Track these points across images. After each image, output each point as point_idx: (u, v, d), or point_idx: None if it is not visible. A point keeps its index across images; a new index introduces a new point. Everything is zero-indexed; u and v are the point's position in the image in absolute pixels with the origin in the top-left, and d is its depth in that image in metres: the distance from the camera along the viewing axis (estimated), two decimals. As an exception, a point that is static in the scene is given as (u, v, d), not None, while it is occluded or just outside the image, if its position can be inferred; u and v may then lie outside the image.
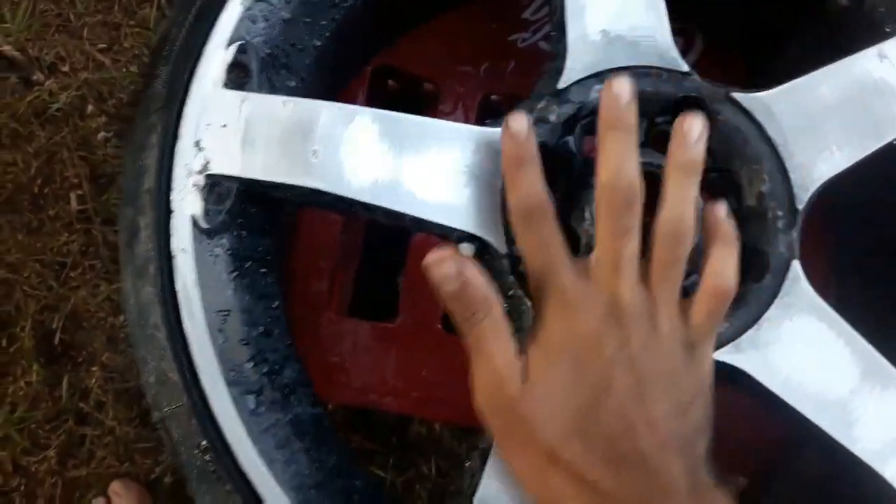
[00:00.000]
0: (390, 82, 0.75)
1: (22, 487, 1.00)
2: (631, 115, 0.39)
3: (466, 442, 0.91)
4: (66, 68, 1.07)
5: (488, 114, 0.69)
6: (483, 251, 0.46)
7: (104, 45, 1.08)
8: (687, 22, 0.68)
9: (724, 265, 0.39)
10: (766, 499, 0.61)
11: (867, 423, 0.43)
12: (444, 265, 0.38)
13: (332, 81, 0.58)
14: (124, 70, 1.07)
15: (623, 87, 0.39)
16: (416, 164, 0.44)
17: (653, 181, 0.48)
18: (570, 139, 0.49)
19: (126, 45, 1.08)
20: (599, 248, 0.38)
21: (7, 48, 1.07)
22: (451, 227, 0.45)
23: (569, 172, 0.49)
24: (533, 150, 0.41)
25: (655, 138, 0.51)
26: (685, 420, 0.36)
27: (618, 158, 0.39)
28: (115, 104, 1.06)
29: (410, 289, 0.67)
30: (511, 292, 0.46)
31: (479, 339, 0.38)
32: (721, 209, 0.41)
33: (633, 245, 0.38)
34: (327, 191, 0.43)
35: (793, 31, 0.56)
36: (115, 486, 0.97)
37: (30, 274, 1.03)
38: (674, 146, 0.40)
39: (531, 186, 0.40)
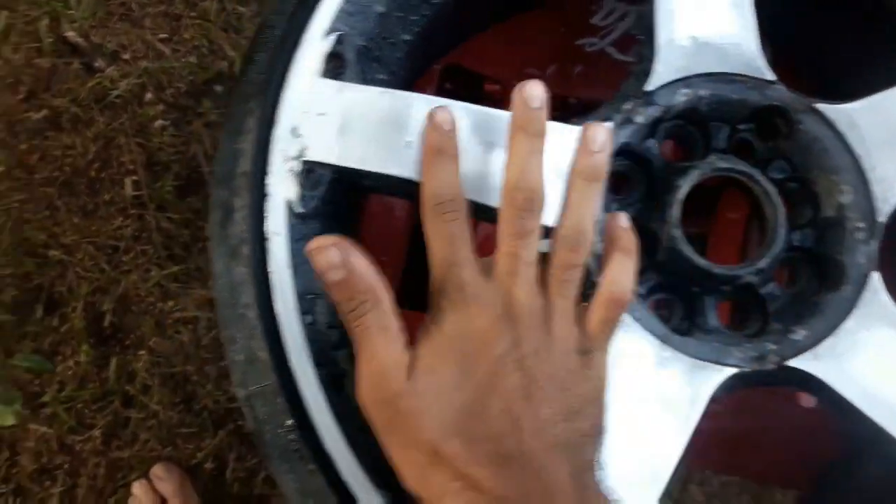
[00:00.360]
0: (447, 84, 0.77)
1: (66, 466, 1.03)
2: (540, 120, 0.39)
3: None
4: (127, 56, 1.10)
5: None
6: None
7: (165, 35, 1.10)
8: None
9: (621, 273, 0.39)
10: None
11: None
12: (327, 253, 0.36)
13: (413, 76, 0.59)
14: (183, 60, 1.09)
15: (535, 92, 0.39)
16: (504, 160, 0.45)
17: (738, 188, 0.49)
18: (652, 142, 0.50)
19: (186, 36, 1.10)
20: (499, 248, 0.38)
21: (72, 34, 1.10)
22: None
23: (649, 174, 0.50)
24: (453, 145, 0.40)
25: (737, 145, 0.52)
26: (573, 425, 0.36)
27: (522, 160, 0.39)
28: (173, 93, 1.09)
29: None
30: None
31: (363, 331, 0.36)
32: (623, 218, 0.41)
33: (532, 247, 0.38)
34: (419, 181, 0.44)
35: (865, 45, 0.57)
36: (157, 470, 0.99)
37: (83, 256, 1.06)
38: (577, 153, 0.40)
39: (447, 177, 0.39)
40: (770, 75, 0.48)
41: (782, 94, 0.49)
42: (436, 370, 0.35)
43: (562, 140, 0.46)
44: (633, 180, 0.51)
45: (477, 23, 0.69)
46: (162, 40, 1.11)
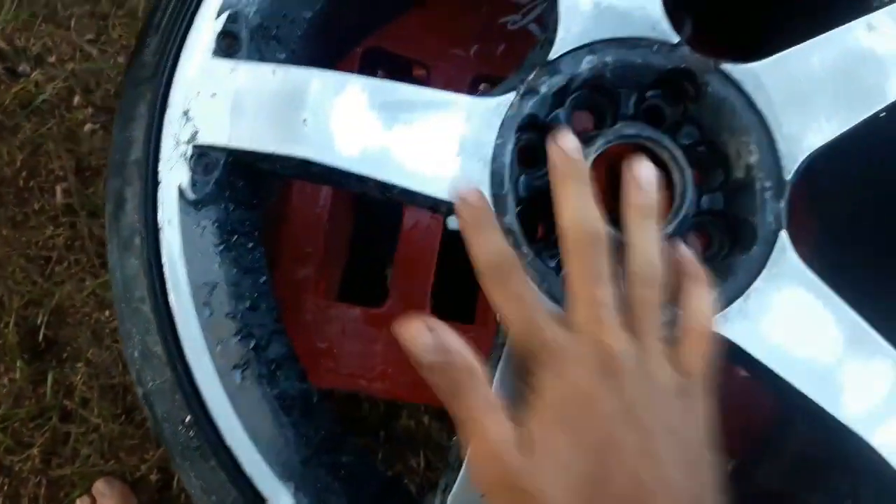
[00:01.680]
0: (379, 72, 0.75)
1: (5, 487, 0.99)
2: (581, 164, 0.41)
3: (455, 435, 0.90)
4: (52, 59, 1.07)
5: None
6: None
7: (91, 37, 1.07)
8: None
9: (700, 304, 0.40)
10: (757, 477, 0.60)
11: (853, 390, 0.43)
12: (420, 337, 0.36)
13: (324, 57, 0.58)
14: (112, 61, 1.06)
15: (568, 142, 0.42)
16: (406, 134, 0.44)
17: (645, 152, 0.48)
18: (561, 113, 0.49)
19: (114, 36, 1.07)
20: (575, 297, 0.37)
21: (-8, 40, 1.06)
22: (440, 200, 0.45)
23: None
24: (490, 214, 0.41)
25: (648, 111, 0.51)
26: (695, 476, 0.35)
27: (577, 205, 0.39)
28: (102, 95, 1.06)
29: (399, 275, 0.67)
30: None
31: (468, 413, 0.35)
32: (683, 248, 0.42)
33: (609, 290, 0.37)
34: (317, 160, 0.43)
35: (782, 8, 0.56)
36: (100, 485, 0.96)
37: (14, 269, 1.02)
38: (628, 191, 0.41)
39: (494, 244, 0.40)
40: (675, 38, 0.48)
41: (688, 56, 0.48)
42: (549, 441, 0.34)
43: (465, 114, 0.45)
44: (544, 153, 0.50)
45: (394, 3, 0.67)
46: (89, 41, 1.08)
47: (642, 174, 0.41)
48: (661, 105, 0.50)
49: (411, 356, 0.36)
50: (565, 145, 0.41)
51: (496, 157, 0.46)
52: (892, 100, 0.47)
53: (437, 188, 0.44)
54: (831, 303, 0.45)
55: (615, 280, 0.38)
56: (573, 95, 0.49)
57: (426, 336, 0.36)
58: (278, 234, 0.66)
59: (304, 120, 0.43)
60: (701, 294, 0.40)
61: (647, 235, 0.39)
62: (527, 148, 0.50)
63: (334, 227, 0.70)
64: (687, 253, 0.41)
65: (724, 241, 0.49)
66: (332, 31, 0.57)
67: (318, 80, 0.43)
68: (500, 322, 0.39)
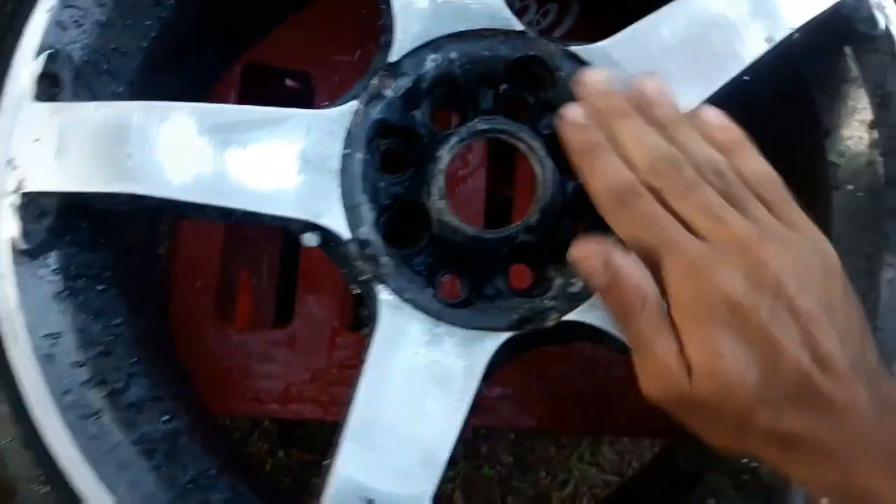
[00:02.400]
0: (288, 82, 0.74)
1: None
2: (619, 99, 0.41)
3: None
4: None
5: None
6: (328, 239, 0.44)
7: None
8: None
9: (762, 165, 0.40)
10: (679, 458, 0.59)
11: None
12: (590, 260, 0.37)
13: (192, 82, 0.56)
14: None
15: (595, 77, 0.42)
16: (243, 156, 0.42)
17: (505, 147, 0.47)
18: (417, 113, 0.48)
19: None
20: (686, 210, 0.37)
21: None
22: (288, 218, 0.43)
23: (419, 149, 0.47)
24: (600, 134, 0.40)
25: (510, 104, 0.50)
26: (853, 341, 0.35)
27: (639, 138, 0.39)
28: None
29: (304, 292, 0.65)
30: (361, 278, 0.44)
31: (637, 334, 0.37)
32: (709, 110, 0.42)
33: (708, 190, 0.38)
34: (148, 195, 0.41)
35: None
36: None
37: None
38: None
39: (612, 166, 0.39)
40: (518, 25, 0.46)
41: (535, 43, 0.46)
42: (713, 355, 0.35)
43: (305, 128, 0.44)
44: (405, 157, 0.48)
45: (267, 15, 0.66)
46: None
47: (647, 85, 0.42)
48: (523, 95, 0.49)
49: (584, 279, 0.40)
50: (592, 80, 0.42)
51: (345, 168, 0.44)
52: (750, 62, 0.45)
53: (283, 207, 0.43)
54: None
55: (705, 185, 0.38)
56: (429, 95, 0.48)
57: (596, 259, 0.37)
58: (173, 262, 0.64)
59: (130, 154, 0.41)
60: (748, 151, 0.40)
61: (693, 139, 0.40)
62: (388, 153, 0.48)
63: (260, 250, 0.68)
64: (717, 118, 0.41)
65: (598, 227, 0.47)
66: (191, 54, 0.55)
67: (139, 113, 0.42)
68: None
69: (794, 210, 0.39)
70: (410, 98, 0.47)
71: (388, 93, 0.46)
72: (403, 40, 0.45)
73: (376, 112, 0.46)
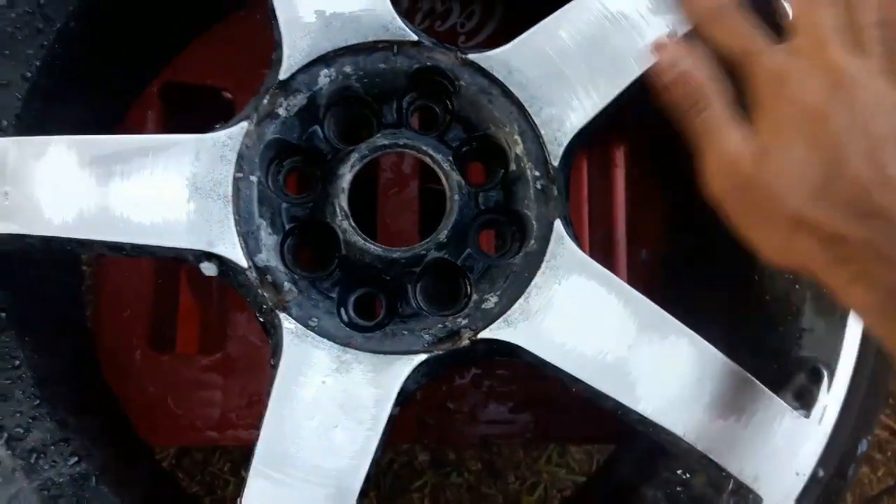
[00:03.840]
0: (226, 94, 0.72)
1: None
2: None
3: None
4: None
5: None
6: (225, 268, 0.43)
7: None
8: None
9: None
10: (619, 470, 0.58)
11: (649, 379, 0.41)
12: (669, 50, 0.41)
13: (88, 111, 0.54)
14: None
15: None
16: (127, 187, 0.41)
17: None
18: (318, 131, 0.46)
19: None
20: (800, 21, 0.39)
21: None
22: (180, 249, 0.42)
23: (324, 168, 0.46)
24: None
25: (422, 116, 0.48)
26: None
27: None
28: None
29: (235, 315, 0.64)
30: (264, 306, 0.42)
31: (704, 128, 0.39)
32: None
33: (830, 12, 0.39)
34: (27, 233, 0.40)
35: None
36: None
37: None
38: None
39: None
40: (413, 35, 0.45)
41: (432, 53, 0.45)
42: (784, 148, 0.37)
43: (193, 153, 0.42)
44: (311, 177, 0.47)
45: (180, 29, 0.64)
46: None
47: None
48: (428, 106, 0.47)
49: (657, 73, 0.41)
50: None
51: (239, 193, 0.43)
52: (653, 62, 0.44)
53: (174, 238, 0.41)
54: (617, 288, 0.42)
55: (835, 6, 0.39)
56: (329, 111, 0.46)
57: (676, 51, 0.41)
58: (100, 295, 0.63)
59: (6, 193, 0.39)
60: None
61: None
62: (292, 174, 0.47)
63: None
64: None
65: (514, 238, 0.46)
66: (90, 80, 0.53)
67: (14, 149, 0.40)
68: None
69: None
70: (307, 115, 0.45)
71: (282, 111, 0.44)
72: (293, 56, 0.44)
73: (270, 132, 0.44)
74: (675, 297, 0.52)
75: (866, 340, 0.42)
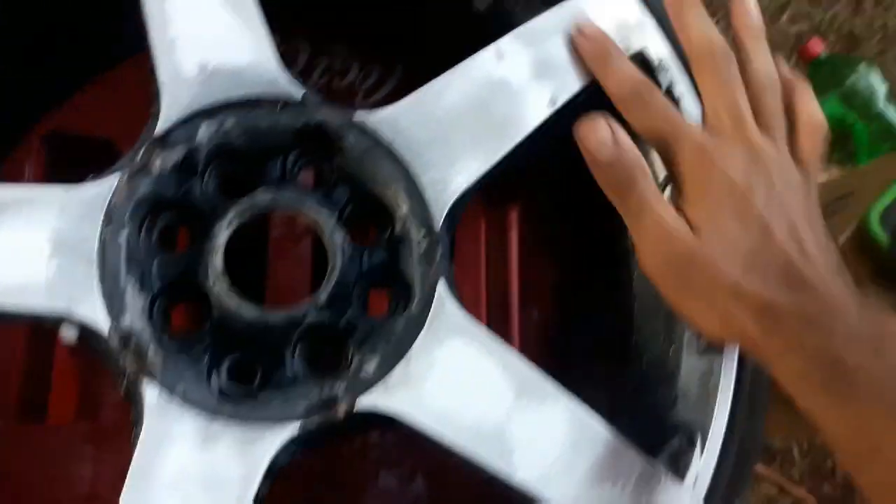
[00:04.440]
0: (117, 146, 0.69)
1: None
2: None
3: None
4: None
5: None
6: (86, 333, 0.40)
7: None
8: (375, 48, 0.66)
9: (812, 105, 0.43)
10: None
11: (526, 446, 0.40)
12: (600, 132, 0.41)
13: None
14: None
15: None
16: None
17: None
18: (196, 185, 0.44)
19: None
20: (714, 104, 0.42)
21: None
22: (35, 312, 0.39)
23: (201, 226, 0.44)
24: (610, 41, 0.44)
25: (307, 171, 0.47)
26: (828, 250, 0.40)
27: (702, 25, 0.43)
28: None
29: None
30: (127, 373, 0.40)
31: (640, 202, 0.40)
32: (782, 63, 0.45)
33: (744, 95, 0.42)
34: None
35: (446, 43, 0.54)
36: None
37: None
38: (739, 15, 0.44)
39: (625, 68, 0.44)
40: (297, 92, 0.44)
41: (317, 111, 0.45)
42: (718, 223, 0.39)
43: (56, 208, 0.40)
44: (188, 235, 0.45)
45: (64, 75, 0.61)
46: None
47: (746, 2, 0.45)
48: (313, 164, 0.47)
49: (588, 153, 0.41)
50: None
51: (106, 251, 0.40)
52: (534, 127, 0.45)
53: (29, 299, 0.39)
54: (497, 352, 0.42)
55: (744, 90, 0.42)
56: (209, 167, 0.45)
57: (606, 131, 0.41)
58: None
59: None
60: (809, 97, 0.44)
61: (763, 52, 0.43)
62: (167, 231, 0.45)
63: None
64: (784, 66, 0.45)
65: (399, 299, 0.45)
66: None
67: None
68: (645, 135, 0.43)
69: (811, 153, 0.42)
70: (184, 170, 0.43)
71: (157, 166, 0.42)
72: (171, 109, 0.42)
73: (143, 187, 0.42)
74: (565, 360, 0.52)
75: (738, 403, 0.43)
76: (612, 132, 0.41)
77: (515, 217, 0.65)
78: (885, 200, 0.72)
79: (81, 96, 0.63)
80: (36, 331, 0.60)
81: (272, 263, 0.57)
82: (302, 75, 0.50)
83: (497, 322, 0.63)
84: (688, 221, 0.40)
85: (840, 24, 1.25)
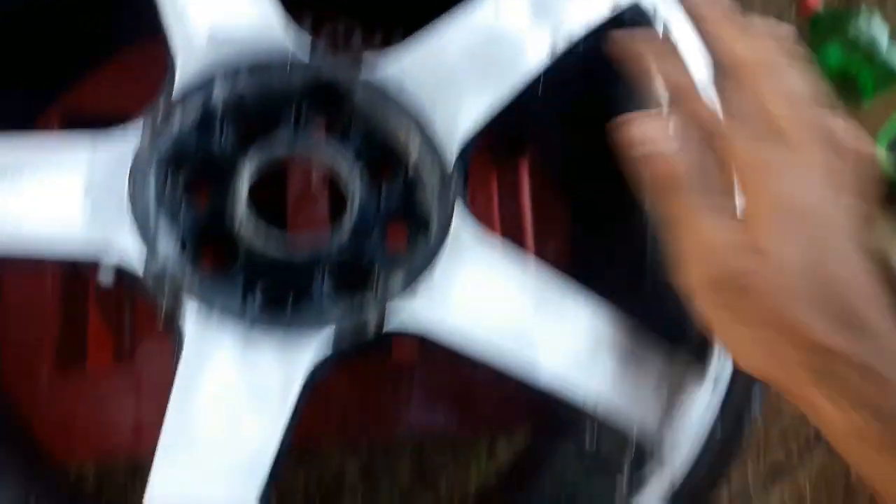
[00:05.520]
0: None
1: None
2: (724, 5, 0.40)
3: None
4: None
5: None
6: (123, 271, 0.42)
7: None
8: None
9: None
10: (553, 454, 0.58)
11: (550, 347, 0.42)
12: (634, 127, 0.36)
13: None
14: None
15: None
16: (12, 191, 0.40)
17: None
18: (213, 140, 0.46)
19: None
20: (779, 113, 0.36)
21: None
22: (73, 254, 0.41)
23: (223, 174, 0.46)
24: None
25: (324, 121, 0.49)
26: (881, 292, 0.35)
27: (741, 37, 0.38)
28: None
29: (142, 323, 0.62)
30: (166, 297, 0.41)
31: (680, 212, 0.35)
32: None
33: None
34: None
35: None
36: None
37: None
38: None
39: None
40: (304, 54, 0.46)
41: (325, 67, 0.46)
42: (781, 247, 0.33)
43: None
44: (209, 181, 0.46)
45: (77, 52, 0.63)
46: None
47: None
48: (330, 115, 0.48)
49: (630, 147, 0.36)
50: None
51: (137, 196, 0.42)
52: (536, 66, 0.46)
53: (66, 244, 0.41)
54: (515, 261, 0.44)
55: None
56: (225, 120, 0.46)
57: (635, 129, 0.36)
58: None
59: None
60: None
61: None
62: (191, 177, 0.46)
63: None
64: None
65: (418, 235, 0.47)
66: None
67: None
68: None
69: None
70: (202, 130, 0.45)
71: (177, 120, 0.44)
72: (184, 76, 0.44)
73: (167, 139, 0.44)
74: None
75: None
76: (655, 129, 0.36)
77: (526, 167, 0.66)
78: (890, 132, 0.73)
79: (98, 74, 0.65)
80: (71, 280, 0.63)
81: (292, 211, 0.58)
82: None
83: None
84: (748, 240, 0.34)
85: (839, -24, 1.24)
